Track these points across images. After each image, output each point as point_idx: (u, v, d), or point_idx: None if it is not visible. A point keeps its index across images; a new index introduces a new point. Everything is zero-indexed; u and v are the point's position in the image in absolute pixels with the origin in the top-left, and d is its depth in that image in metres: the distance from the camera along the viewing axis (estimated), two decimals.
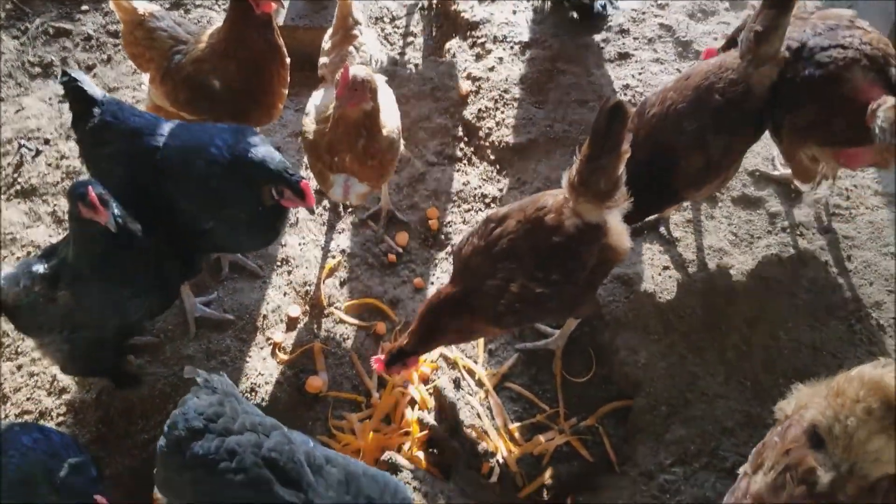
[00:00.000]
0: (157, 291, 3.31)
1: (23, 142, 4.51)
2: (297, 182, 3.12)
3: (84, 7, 5.11)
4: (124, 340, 3.55)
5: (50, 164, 4.44)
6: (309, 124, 3.64)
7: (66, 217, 3.24)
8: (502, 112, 4.58)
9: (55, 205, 4.27)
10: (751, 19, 3.33)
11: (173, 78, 3.74)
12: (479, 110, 4.59)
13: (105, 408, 3.61)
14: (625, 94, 4.57)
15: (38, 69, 4.85)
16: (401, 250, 4.11)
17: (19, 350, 3.79)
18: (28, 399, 3.66)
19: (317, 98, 3.75)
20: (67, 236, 3.20)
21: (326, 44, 3.97)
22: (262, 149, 3.20)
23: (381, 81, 3.63)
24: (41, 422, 3.58)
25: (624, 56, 4.77)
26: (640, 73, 4.68)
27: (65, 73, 3.34)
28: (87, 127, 3.31)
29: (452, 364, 3.71)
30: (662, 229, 4.07)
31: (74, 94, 3.31)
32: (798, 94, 3.35)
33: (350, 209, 4.27)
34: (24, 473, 2.83)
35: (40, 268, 3.18)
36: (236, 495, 2.52)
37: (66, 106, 4.64)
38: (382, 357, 3.26)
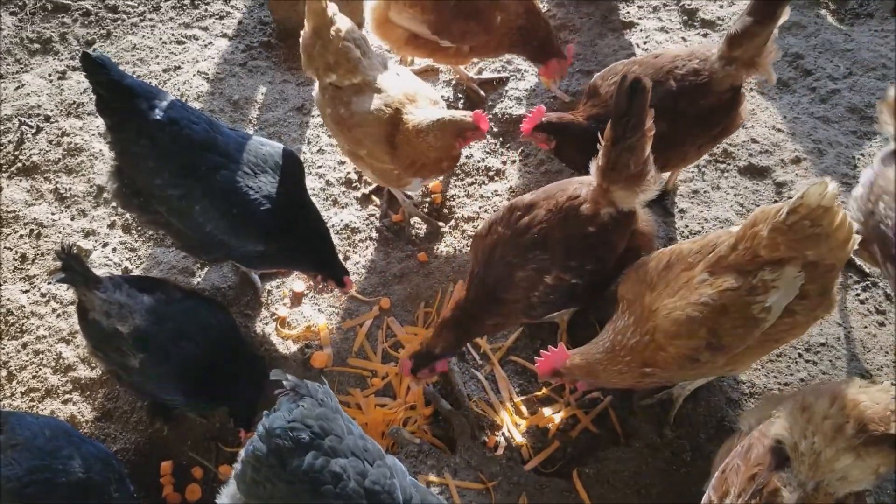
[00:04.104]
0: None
1: (23, 119, 4.48)
2: (342, 277, 3.53)
3: None
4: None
5: (51, 142, 4.41)
6: (379, 156, 3.59)
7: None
8: (506, 83, 4.53)
9: (57, 182, 4.25)
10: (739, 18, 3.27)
11: (448, 8, 3.79)
12: (482, 81, 4.54)
13: (111, 384, 3.62)
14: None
15: (36, 45, 4.81)
16: (441, 224, 4.10)
17: (24, 328, 3.80)
18: (34, 377, 3.67)
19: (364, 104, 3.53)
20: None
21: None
22: None
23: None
24: (47, 399, 3.60)
25: (628, 25, 4.70)
26: (644, 42, 4.61)
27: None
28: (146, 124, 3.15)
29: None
30: (667, 202, 4.04)
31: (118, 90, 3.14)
32: None
33: (354, 184, 4.24)
34: (87, 480, 2.83)
35: (136, 319, 3.06)
36: None
37: (66, 83, 4.62)
38: (408, 361, 3.24)
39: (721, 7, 4.71)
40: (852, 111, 4.28)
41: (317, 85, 3.63)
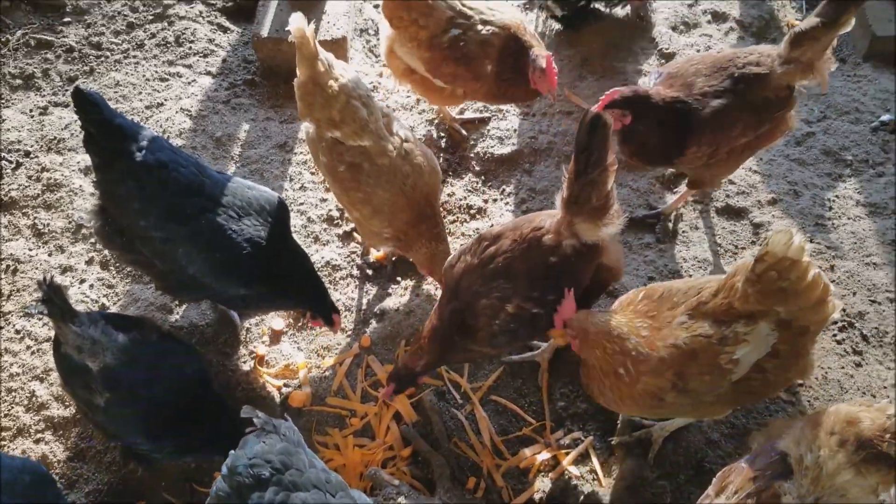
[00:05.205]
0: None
1: (3, 154, 4.46)
2: (330, 315, 3.53)
3: (66, 19, 5.07)
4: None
5: (30, 177, 4.38)
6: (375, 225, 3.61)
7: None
8: (487, 122, 4.58)
9: (35, 217, 4.22)
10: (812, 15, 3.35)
11: (442, 49, 3.78)
12: (464, 121, 4.59)
13: (84, 423, 3.56)
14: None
15: (19, 81, 4.80)
16: None
17: None
18: (6, 416, 3.60)
19: None
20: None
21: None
22: None
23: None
24: (18, 438, 3.53)
25: (608, 68, 4.78)
26: (623, 85, 4.68)
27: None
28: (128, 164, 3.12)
29: (438, 376, 3.68)
30: (659, 228, 4.09)
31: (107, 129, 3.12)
32: None
33: (336, 221, 4.24)
34: None
35: (108, 357, 3.00)
36: None
37: (48, 118, 4.62)
38: (388, 386, 3.27)
39: (698, 51, 4.81)
40: (827, 154, 4.36)
41: (308, 126, 3.55)
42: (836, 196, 4.20)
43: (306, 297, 3.50)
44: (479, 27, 3.78)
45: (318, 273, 3.84)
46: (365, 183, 3.44)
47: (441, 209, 4.25)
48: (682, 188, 4.09)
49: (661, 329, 2.82)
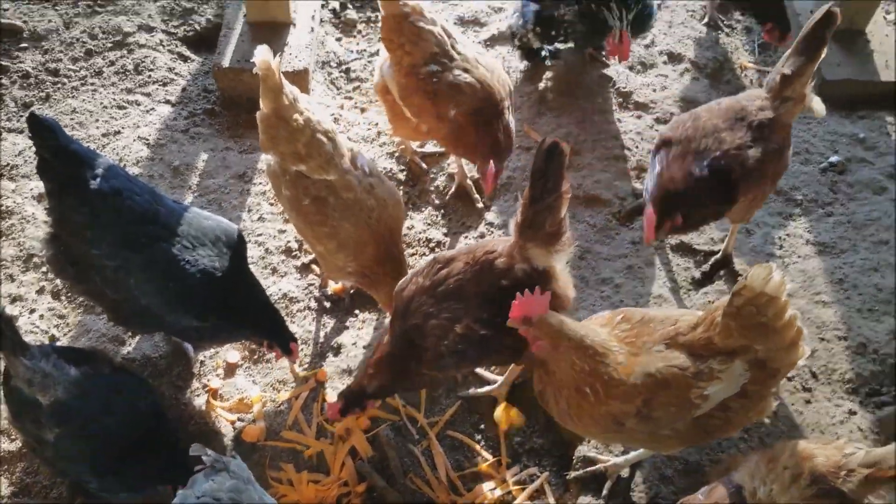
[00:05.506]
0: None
1: None
2: (288, 344, 3.46)
3: (23, 45, 5.00)
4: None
5: None
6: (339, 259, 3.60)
7: None
8: (447, 157, 4.61)
9: None
10: (780, 63, 3.55)
11: (417, 79, 3.80)
12: (424, 155, 4.62)
13: (30, 458, 3.46)
14: (568, 142, 4.64)
15: None
16: None
17: None
18: None
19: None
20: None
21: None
22: None
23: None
24: None
25: (566, 105, 4.86)
26: (581, 122, 4.77)
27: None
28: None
29: (394, 411, 3.66)
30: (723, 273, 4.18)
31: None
32: None
33: (294, 253, 4.22)
34: None
35: (59, 391, 2.95)
36: None
37: (1, 144, 4.54)
38: (336, 403, 3.22)
39: (654, 91, 4.93)
40: (778, 193, 4.47)
41: (270, 159, 3.52)
42: (787, 234, 4.31)
43: (263, 327, 3.46)
44: (457, 72, 3.82)
45: (276, 305, 3.81)
46: (331, 217, 3.43)
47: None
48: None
49: (637, 355, 2.83)
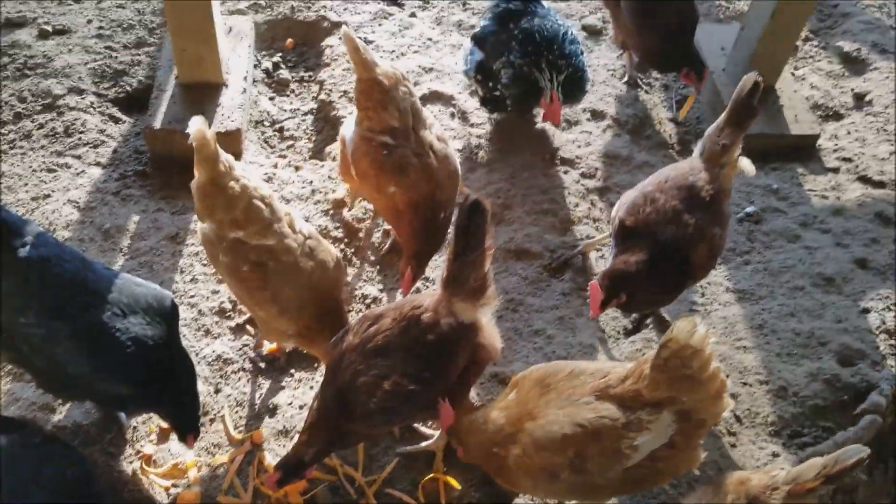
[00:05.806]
0: None
1: None
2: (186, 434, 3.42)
3: None
4: None
5: None
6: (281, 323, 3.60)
7: None
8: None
9: None
10: (713, 134, 3.71)
11: (369, 145, 3.80)
12: (360, 214, 4.69)
13: None
14: (497, 198, 4.78)
15: None
16: None
17: None
18: None
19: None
20: None
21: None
22: None
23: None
24: None
25: (492, 161, 5.01)
26: (511, 177, 4.92)
27: None
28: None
29: (331, 470, 3.65)
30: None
31: None
32: None
33: (228, 314, 4.21)
34: None
35: None
36: None
37: None
38: (273, 474, 3.20)
39: (579, 147, 5.13)
40: None
41: (205, 226, 3.49)
42: (708, 283, 4.49)
43: (178, 407, 3.40)
44: (408, 153, 3.81)
45: (208, 367, 3.79)
46: (271, 281, 3.44)
47: None
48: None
49: (565, 407, 2.94)
